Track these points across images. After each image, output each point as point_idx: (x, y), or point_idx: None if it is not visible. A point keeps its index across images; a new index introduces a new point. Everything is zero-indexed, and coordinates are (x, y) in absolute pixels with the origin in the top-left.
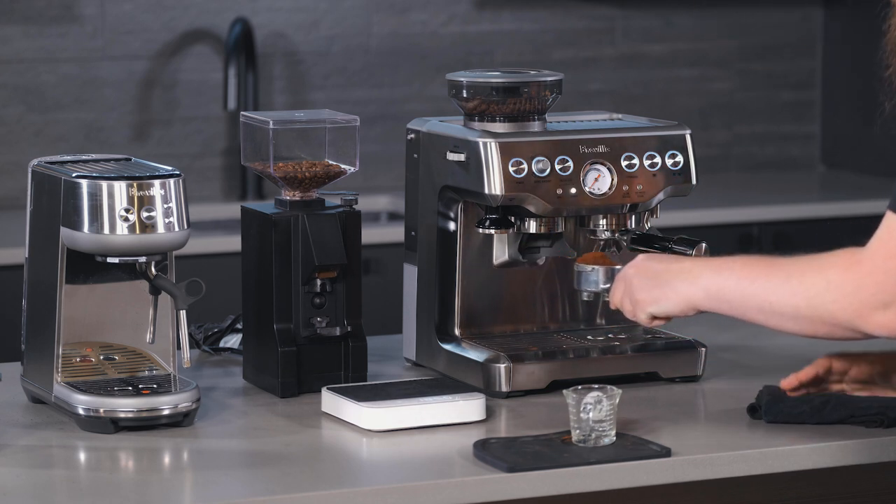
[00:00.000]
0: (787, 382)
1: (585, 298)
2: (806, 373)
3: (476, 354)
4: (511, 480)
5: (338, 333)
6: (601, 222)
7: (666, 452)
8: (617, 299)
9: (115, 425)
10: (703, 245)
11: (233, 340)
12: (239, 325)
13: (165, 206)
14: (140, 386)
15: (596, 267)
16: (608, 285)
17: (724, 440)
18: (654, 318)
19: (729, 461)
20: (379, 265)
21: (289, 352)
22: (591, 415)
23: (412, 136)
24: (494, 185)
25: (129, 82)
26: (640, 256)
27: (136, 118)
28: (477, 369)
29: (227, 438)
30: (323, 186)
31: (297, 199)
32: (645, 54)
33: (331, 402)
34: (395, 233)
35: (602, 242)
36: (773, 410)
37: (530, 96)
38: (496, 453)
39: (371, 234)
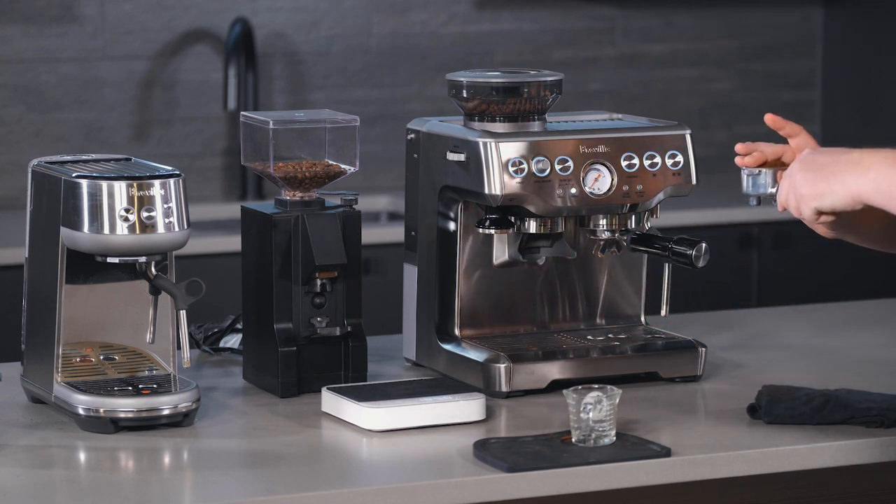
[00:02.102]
0: (744, 147)
1: (753, 204)
2: (774, 152)
3: (476, 354)
4: (511, 480)
5: (338, 333)
6: (601, 222)
7: (666, 452)
8: (783, 197)
9: (115, 425)
10: (703, 245)
11: (233, 340)
12: (239, 325)
13: (165, 206)
14: (140, 386)
15: (764, 170)
16: (776, 189)
17: (724, 440)
18: (821, 213)
19: (729, 461)
20: (379, 265)
21: (289, 352)
22: (591, 415)
23: (412, 136)
24: (494, 185)
25: (129, 82)
26: (808, 150)
27: (136, 118)
28: (477, 369)
29: (227, 438)
30: (323, 186)
31: (297, 199)
32: (645, 54)
33: (331, 402)
34: (395, 233)
35: (603, 242)
36: (772, 411)
37: (530, 96)
38: (496, 453)
39: (371, 234)
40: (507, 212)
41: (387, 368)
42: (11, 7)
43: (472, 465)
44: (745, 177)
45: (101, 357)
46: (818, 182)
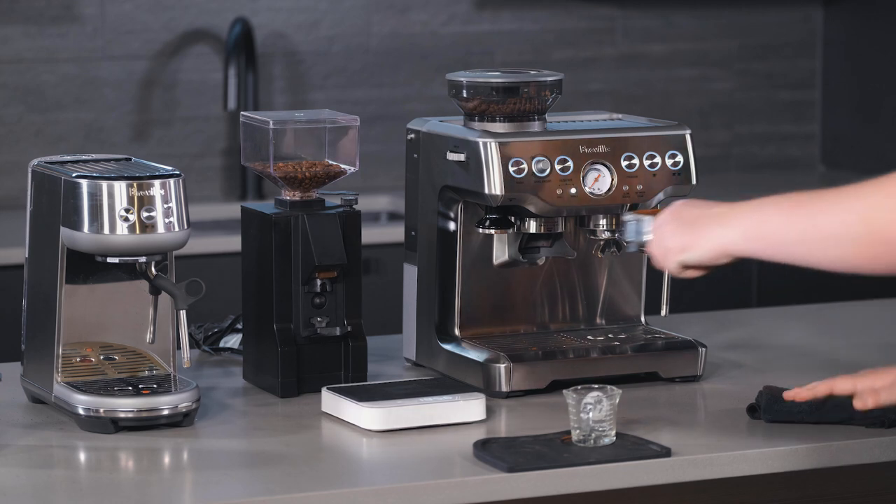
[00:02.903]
0: (795, 394)
1: (633, 250)
2: (822, 390)
3: (476, 354)
4: (511, 480)
5: (338, 333)
6: (601, 222)
7: (666, 452)
8: (651, 248)
9: (115, 425)
10: None
11: (233, 340)
12: (239, 325)
13: (165, 206)
14: (140, 386)
15: (641, 217)
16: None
17: (724, 440)
18: (686, 267)
19: (729, 461)
20: (379, 265)
21: (289, 352)
22: (591, 415)
23: (412, 136)
24: (494, 185)
25: (129, 82)
26: (680, 201)
27: (136, 118)
28: (477, 369)
29: (227, 438)
30: (323, 186)
31: (297, 199)
32: (645, 54)
33: (331, 402)
34: (395, 233)
35: (603, 242)
36: (772, 410)
37: (530, 96)
38: (496, 453)
39: (371, 234)
40: (507, 212)
41: (387, 368)
42: (11, 7)
43: (472, 465)
44: (627, 223)
45: (101, 357)
46: (684, 235)
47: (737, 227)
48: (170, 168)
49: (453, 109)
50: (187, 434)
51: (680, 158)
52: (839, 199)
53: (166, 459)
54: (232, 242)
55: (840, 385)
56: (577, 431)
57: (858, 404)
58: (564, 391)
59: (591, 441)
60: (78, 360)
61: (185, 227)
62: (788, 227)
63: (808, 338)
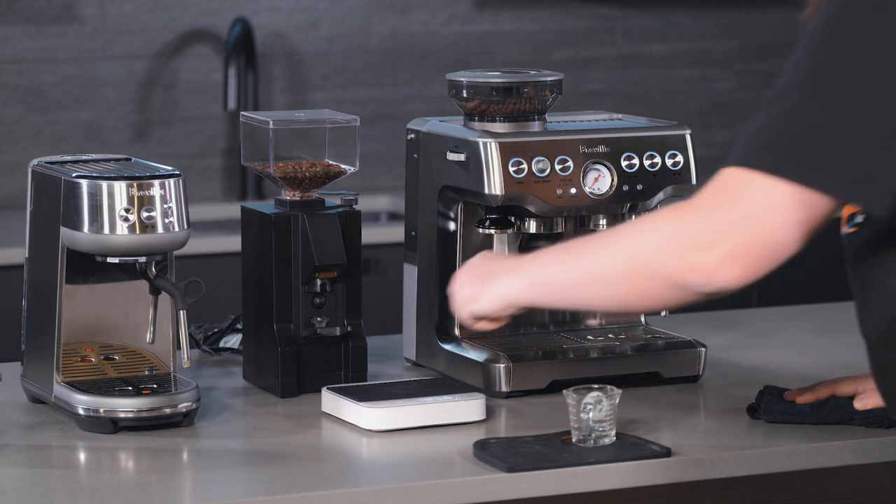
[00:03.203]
0: (796, 395)
1: None
2: (823, 392)
3: (476, 354)
4: (511, 480)
5: (338, 333)
6: (601, 222)
7: (666, 452)
8: (451, 299)
9: (115, 425)
10: None
11: (233, 340)
12: (239, 325)
13: (165, 206)
14: (140, 386)
15: None
16: None
17: (724, 440)
18: (478, 318)
19: (729, 461)
20: (379, 265)
21: (289, 352)
22: (591, 415)
23: (412, 136)
24: (494, 185)
25: (129, 82)
26: (480, 254)
27: (136, 118)
28: (477, 369)
29: (227, 438)
30: (323, 186)
31: (297, 199)
32: (645, 54)
33: (331, 402)
34: (395, 233)
35: None
36: (772, 410)
37: (530, 96)
38: (496, 453)
39: (371, 234)
40: (507, 212)
41: (387, 368)
42: (11, 7)
43: (472, 465)
44: None
45: (101, 357)
46: (474, 287)
47: (518, 278)
48: (170, 168)
49: (453, 109)
50: (187, 434)
51: (680, 158)
52: (606, 239)
53: (166, 459)
54: (232, 242)
55: (842, 386)
56: (577, 431)
57: (859, 405)
58: (564, 391)
59: (591, 441)
60: (78, 360)
61: (185, 227)
62: (562, 272)
63: (808, 338)
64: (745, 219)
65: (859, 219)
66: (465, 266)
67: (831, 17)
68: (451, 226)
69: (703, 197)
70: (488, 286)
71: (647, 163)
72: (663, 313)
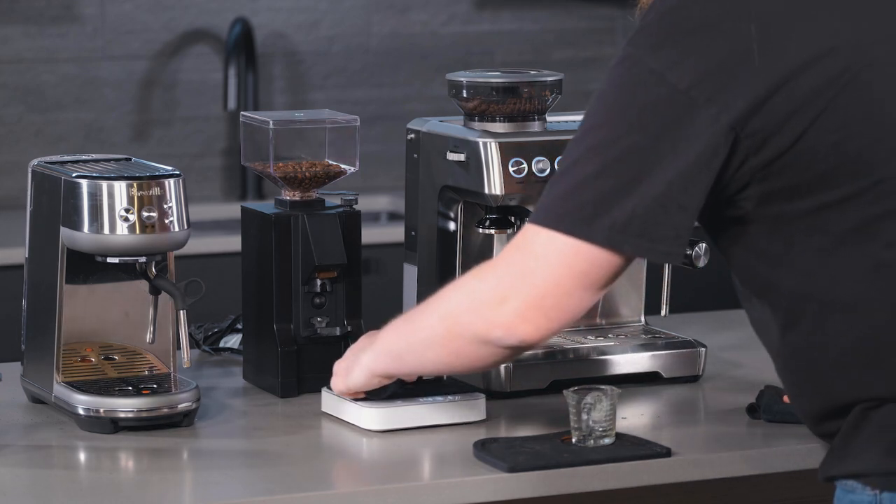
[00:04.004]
0: None
1: None
2: None
3: None
4: (511, 480)
5: (338, 333)
6: None
7: (666, 452)
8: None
9: (115, 425)
10: (704, 245)
11: (233, 340)
12: (239, 325)
13: (165, 206)
14: (140, 386)
15: None
16: None
17: (724, 440)
18: (353, 390)
19: (729, 461)
20: (379, 265)
21: (289, 352)
22: (591, 415)
23: (412, 136)
24: (494, 185)
25: (129, 82)
26: (368, 333)
27: (136, 118)
28: None
29: (227, 438)
30: (323, 186)
31: (297, 199)
32: None
33: (331, 402)
34: (395, 233)
35: None
36: (772, 410)
37: (530, 96)
38: (496, 453)
39: (371, 234)
40: (507, 212)
41: None
42: (11, 7)
43: (472, 465)
44: None
45: (101, 357)
46: (347, 361)
47: (373, 350)
48: (170, 168)
49: (453, 109)
50: (187, 434)
51: None
52: (431, 303)
53: (166, 459)
54: (232, 242)
55: None
56: (577, 431)
57: None
58: (564, 391)
59: (591, 441)
60: (78, 360)
61: (185, 227)
62: (398, 339)
63: None
64: (531, 272)
65: None
66: (355, 344)
67: (605, 78)
68: (451, 226)
69: (501, 254)
70: (356, 362)
71: None
72: (663, 313)
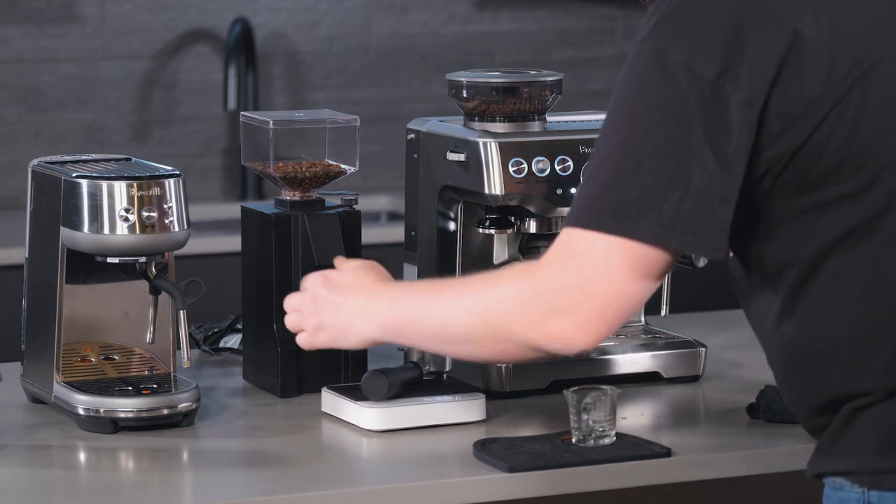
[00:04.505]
0: None
1: None
2: None
3: None
4: (511, 480)
5: None
6: None
7: (666, 452)
8: (290, 320)
9: (115, 425)
10: None
11: (233, 340)
12: (239, 325)
13: (165, 206)
14: (140, 386)
15: None
16: None
17: (724, 440)
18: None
19: (729, 461)
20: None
21: (289, 352)
22: (591, 415)
23: (412, 136)
24: (494, 185)
25: (129, 82)
26: (327, 273)
27: (136, 118)
28: (477, 369)
29: (227, 438)
30: (323, 186)
31: (297, 199)
32: None
33: (331, 402)
34: (395, 233)
35: None
36: (772, 410)
37: (530, 96)
38: (496, 453)
39: (371, 234)
40: (507, 212)
41: None
42: (11, 7)
43: (472, 465)
44: None
45: (101, 357)
46: (332, 328)
47: (375, 324)
48: (170, 168)
49: (453, 109)
50: (187, 434)
51: None
52: (460, 299)
53: (166, 459)
54: (232, 242)
55: None
56: (577, 431)
57: None
58: (564, 391)
59: (591, 441)
60: (78, 360)
61: (185, 227)
62: (420, 327)
63: None
64: (593, 282)
65: None
66: (323, 288)
67: (623, 73)
68: (451, 226)
69: (549, 262)
70: (348, 328)
71: None
72: (663, 313)
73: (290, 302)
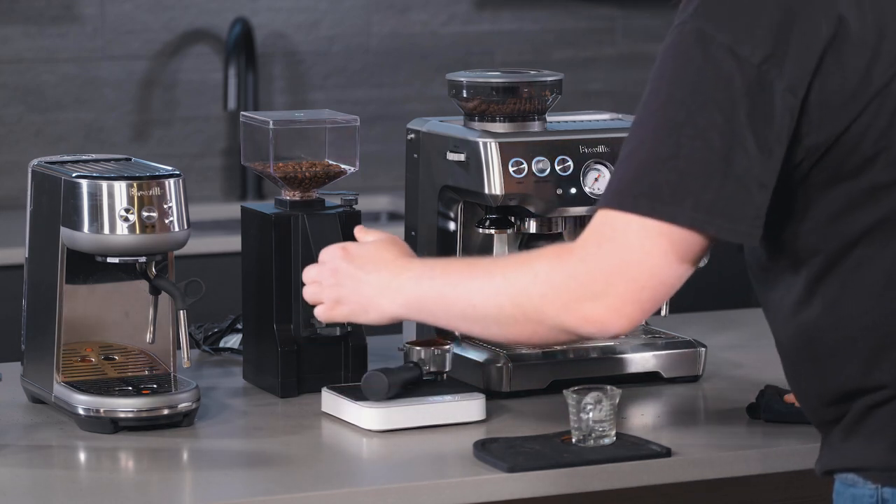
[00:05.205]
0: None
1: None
2: None
3: (476, 354)
4: (511, 480)
5: (338, 333)
6: None
7: (666, 452)
8: (309, 292)
9: (115, 425)
10: None
11: (233, 340)
12: (239, 325)
13: (165, 206)
14: (140, 386)
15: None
16: None
17: (724, 440)
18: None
19: (729, 461)
20: None
21: (289, 352)
22: (591, 415)
23: (412, 136)
24: (494, 185)
25: (129, 82)
26: (347, 246)
27: (136, 118)
28: (477, 369)
29: (227, 438)
30: (323, 186)
31: (297, 199)
32: (645, 54)
33: (331, 402)
34: (395, 233)
35: None
36: (772, 410)
37: (530, 96)
38: (496, 453)
39: None
40: (507, 212)
41: None
42: (11, 7)
43: (472, 465)
44: None
45: (101, 357)
46: (353, 303)
47: (398, 302)
48: (170, 168)
49: (453, 109)
50: (187, 434)
51: None
52: (490, 279)
53: (166, 459)
54: (232, 242)
55: None
56: (577, 431)
57: None
58: (564, 391)
59: (591, 441)
60: (78, 360)
61: (185, 227)
62: (447, 306)
63: None
64: (628, 265)
65: None
66: (344, 261)
67: (662, 56)
68: (451, 226)
69: (584, 243)
70: (371, 305)
71: None
72: (663, 313)
73: (309, 273)
